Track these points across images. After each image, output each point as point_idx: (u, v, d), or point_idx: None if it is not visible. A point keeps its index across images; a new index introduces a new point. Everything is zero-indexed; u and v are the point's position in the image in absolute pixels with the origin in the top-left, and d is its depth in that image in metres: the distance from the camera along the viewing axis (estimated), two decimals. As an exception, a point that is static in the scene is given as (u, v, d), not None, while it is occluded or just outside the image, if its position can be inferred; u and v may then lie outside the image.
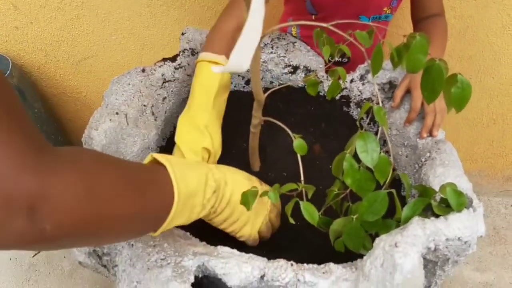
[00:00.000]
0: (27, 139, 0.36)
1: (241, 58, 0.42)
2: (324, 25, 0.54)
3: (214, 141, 0.73)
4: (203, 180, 0.55)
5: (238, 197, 0.57)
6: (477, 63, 1.30)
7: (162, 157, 0.53)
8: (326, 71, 0.90)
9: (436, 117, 0.75)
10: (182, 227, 0.65)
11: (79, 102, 1.72)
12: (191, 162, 0.58)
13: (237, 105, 0.84)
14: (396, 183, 0.75)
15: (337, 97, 0.90)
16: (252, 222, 0.63)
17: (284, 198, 0.60)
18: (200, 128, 0.72)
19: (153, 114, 0.78)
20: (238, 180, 0.61)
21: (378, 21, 1.01)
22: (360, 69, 0.89)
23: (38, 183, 0.35)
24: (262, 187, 0.65)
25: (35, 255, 1.60)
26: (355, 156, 0.55)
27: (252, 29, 0.42)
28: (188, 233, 0.65)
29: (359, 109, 0.88)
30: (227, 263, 0.52)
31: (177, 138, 0.72)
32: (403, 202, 0.67)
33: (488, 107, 1.41)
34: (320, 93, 0.91)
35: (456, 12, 1.20)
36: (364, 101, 0.87)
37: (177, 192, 0.50)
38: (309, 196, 0.57)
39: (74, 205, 0.38)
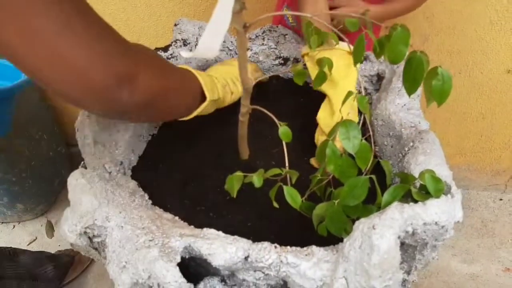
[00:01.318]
0: (115, 34, 0.54)
1: (210, 43, 0.44)
2: (310, 15, 0.56)
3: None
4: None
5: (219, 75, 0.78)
6: (466, 58, 1.32)
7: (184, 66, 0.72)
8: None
9: None
10: (171, 211, 0.67)
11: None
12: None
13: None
14: (380, 171, 0.77)
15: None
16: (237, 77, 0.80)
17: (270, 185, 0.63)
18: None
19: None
20: (216, 67, 0.82)
21: None
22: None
23: (133, 65, 0.53)
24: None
25: (29, 243, 1.63)
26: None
27: (221, 14, 0.43)
28: (176, 217, 0.67)
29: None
30: (212, 244, 0.54)
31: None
32: (385, 190, 0.69)
33: (477, 101, 1.43)
34: (310, 84, 0.93)
35: (445, 7, 1.21)
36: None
37: (199, 77, 0.70)
38: (293, 181, 0.59)
39: (153, 81, 0.56)
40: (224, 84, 0.78)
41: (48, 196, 1.74)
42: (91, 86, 0.49)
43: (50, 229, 1.47)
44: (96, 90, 0.50)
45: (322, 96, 0.92)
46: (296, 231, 0.70)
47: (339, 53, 0.76)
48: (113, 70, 0.50)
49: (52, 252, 1.53)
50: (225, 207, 0.71)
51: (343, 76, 0.76)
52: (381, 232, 0.50)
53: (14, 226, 1.71)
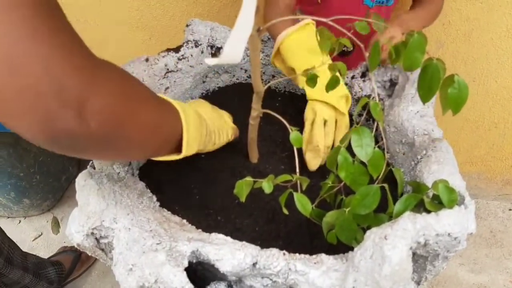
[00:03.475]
0: (77, 44, 0.41)
1: (234, 49, 0.44)
2: (324, 20, 0.55)
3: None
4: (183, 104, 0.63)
5: (209, 115, 0.70)
6: (481, 66, 1.30)
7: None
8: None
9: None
10: (179, 214, 0.67)
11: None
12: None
13: (238, 98, 0.85)
14: (391, 178, 0.76)
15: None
16: (225, 122, 0.76)
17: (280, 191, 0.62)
18: None
19: (155, 103, 0.79)
20: (207, 109, 0.72)
21: (380, 5, 1.02)
22: (362, 66, 0.90)
23: (86, 83, 0.40)
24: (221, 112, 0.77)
25: (35, 239, 1.63)
26: (350, 150, 0.56)
27: (244, 20, 0.43)
28: (184, 220, 0.66)
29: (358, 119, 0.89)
30: (220, 249, 0.54)
31: None
32: (397, 198, 0.68)
33: (491, 110, 1.41)
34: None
35: (461, 14, 1.20)
36: (365, 97, 0.88)
37: (183, 115, 0.59)
38: (304, 188, 0.58)
39: (114, 107, 0.44)
40: (211, 131, 0.70)
41: (54, 192, 1.74)
42: (27, 103, 0.37)
43: (56, 225, 1.48)
44: (32, 108, 0.37)
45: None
46: (305, 237, 0.69)
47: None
48: (57, 85, 0.37)
49: (58, 248, 1.54)
50: (234, 210, 0.70)
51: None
52: (393, 243, 0.49)
53: (20, 221, 1.71)
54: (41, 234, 1.66)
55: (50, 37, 0.37)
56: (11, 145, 1.43)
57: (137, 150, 0.53)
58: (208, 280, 0.62)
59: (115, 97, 0.44)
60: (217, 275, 0.61)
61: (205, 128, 0.66)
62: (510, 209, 1.65)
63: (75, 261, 1.44)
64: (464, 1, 1.18)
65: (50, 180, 1.67)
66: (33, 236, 1.65)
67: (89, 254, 0.70)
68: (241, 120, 0.77)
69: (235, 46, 0.44)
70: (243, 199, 0.56)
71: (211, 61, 0.45)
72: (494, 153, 1.54)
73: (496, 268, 1.44)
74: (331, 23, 0.54)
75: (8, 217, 1.71)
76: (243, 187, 0.56)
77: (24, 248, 1.34)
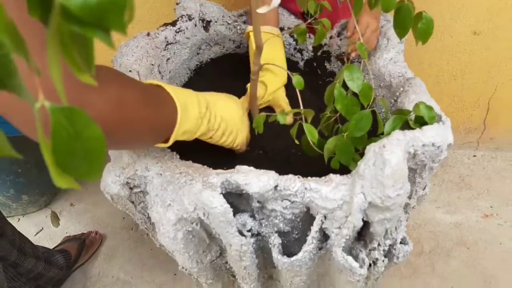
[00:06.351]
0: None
1: None
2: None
3: None
4: (195, 97, 0.67)
5: (228, 113, 0.72)
6: (437, 23, 1.43)
7: (156, 81, 0.64)
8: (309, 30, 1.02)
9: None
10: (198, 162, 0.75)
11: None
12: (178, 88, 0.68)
13: (231, 70, 0.94)
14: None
15: (319, 53, 1.02)
16: (242, 131, 0.78)
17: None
18: None
19: (159, 72, 0.87)
20: (223, 99, 0.75)
21: None
22: (337, 26, 1.01)
23: (84, 92, 0.45)
24: (244, 103, 0.83)
25: (37, 233, 1.67)
26: (344, 86, 0.66)
27: None
28: (205, 166, 0.75)
29: (338, 62, 1.00)
30: (247, 175, 0.63)
31: None
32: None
33: (448, 64, 1.55)
34: (304, 58, 1.03)
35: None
36: (343, 54, 0.99)
37: (178, 103, 0.62)
38: (308, 120, 0.68)
39: (108, 113, 0.48)
40: (215, 129, 0.72)
41: (51, 188, 1.78)
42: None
43: (56, 218, 1.52)
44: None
45: (316, 65, 1.02)
46: (313, 170, 0.79)
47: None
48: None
49: (60, 239, 1.59)
50: (250, 157, 0.79)
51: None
52: (390, 149, 0.59)
53: (19, 219, 1.74)
54: (42, 228, 1.70)
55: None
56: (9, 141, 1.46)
57: (137, 141, 0.59)
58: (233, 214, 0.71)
59: (109, 106, 0.48)
60: (240, 207, 0.70)
61: (204, 125, 0.69)
62: (474, 155, 1.81)
63: (80, 247, 1.50)
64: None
65: (46, 175, 1.69)
66: (35, 231, 1.69)
67: (120, 209, 0.78)
68: (236, 87, 0.86)
69: None
70: (260, 130, 0.65)
71: (262, 9, 0.56)
72: (455, 104, 1.68)
73: (467, 207, 1.60)
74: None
75: (7, 217, 1.73)
76: (260, 120, 0.65)
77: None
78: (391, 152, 0.59)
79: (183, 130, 0.64)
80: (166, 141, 0.64)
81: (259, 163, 0.72)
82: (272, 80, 0.88)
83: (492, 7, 1.35)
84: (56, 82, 0.20)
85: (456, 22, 1.41)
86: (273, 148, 0.85)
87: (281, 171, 0.66)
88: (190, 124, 0.65)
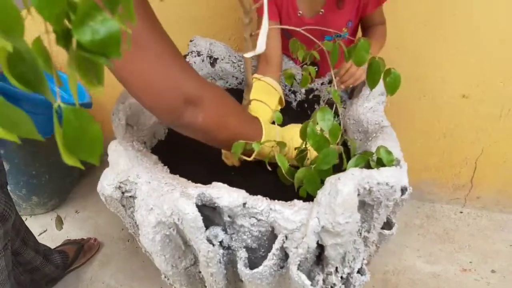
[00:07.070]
0: (189, 68, 0.71)
1: (261, 44, 0.65)
2: (298, 29, 0.77)
3: None
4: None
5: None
6: (430, 84, 1.55)
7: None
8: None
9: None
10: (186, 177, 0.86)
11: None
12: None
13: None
14: (347, 152, 0.97)
15: (310, 96, 1.13)
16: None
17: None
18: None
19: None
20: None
21: (339, 38, 1.26)
22: (329, 75, 1.12)
23: (200, 90, 0.69)
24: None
25: (40, 234, 1.77)
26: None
27: (264, 26, 0.65)
28: (190, 181, 0.85)
29: (327, 105, 1.11)
30: (220, 190, 0.72)
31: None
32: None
33: (439, 122, 1.64)
34: (297, 99, 1.14)
35: (413, 39, 1.44)
36: (331, 99, 1.10)
37: (264, 132, 0.83)
38: (281, 151, 0.78)
39: (214, 111, 0.72)
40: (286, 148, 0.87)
41: (60, 193, 1.90)
42: (165, 105, 0.67)
43: (60, 222, 1.62)
44: (167, 109, 0.68)
45: (307, 108, 1.13)
46: (282, 195, 0.88)
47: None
48: (181, 91, 0.66)
49: (61, 241, 1.69)
50: (228, 176, 0.89)
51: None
52: (344, 181, 0.69)
53: (26, 219, 1.85)
54: (46, 230, 1.80)
55: (174, 60, 0.66)
56: (28, 143, 1.59)
57: (222, 144, 0.80)
58: (207, 227, 0.80)
59: (216, 105, 0.73)
60: (215, 221, 0.79)
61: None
62: (461, 212, 1.88)
63: (78, 251, 1.59)
64: (412, 29, 1.43)
65: (57, 181, 1.83)
66: (38, 232, 1.79)
67: (112, 210, 0.88)
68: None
69: (261, 41, 0.65)
70: (237, 157, 0.75)
71: (249, 54, 0.67)
72: (445, 160, 1.77)
73: (448, 259, 1.65)
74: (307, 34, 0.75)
75: (16, 215, 1.85)
76: (238, 148, 0.75)
77: (31, 242, 1.49)
78: (344, 184, 0.68)
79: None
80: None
81: (239, 184, 0.82)
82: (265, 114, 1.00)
83: (479, 73, 1.46)
84: (73, 92, 0.30)
85: (447, 85, 1.52)
86: (254, 171, 0.95)
87: (257, 193, 0.76)
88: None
